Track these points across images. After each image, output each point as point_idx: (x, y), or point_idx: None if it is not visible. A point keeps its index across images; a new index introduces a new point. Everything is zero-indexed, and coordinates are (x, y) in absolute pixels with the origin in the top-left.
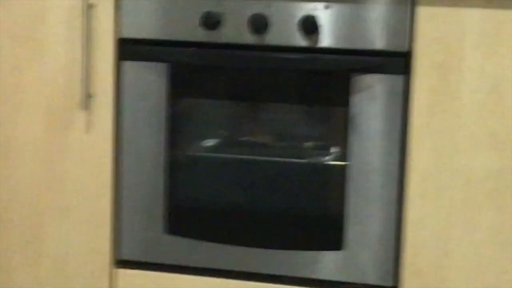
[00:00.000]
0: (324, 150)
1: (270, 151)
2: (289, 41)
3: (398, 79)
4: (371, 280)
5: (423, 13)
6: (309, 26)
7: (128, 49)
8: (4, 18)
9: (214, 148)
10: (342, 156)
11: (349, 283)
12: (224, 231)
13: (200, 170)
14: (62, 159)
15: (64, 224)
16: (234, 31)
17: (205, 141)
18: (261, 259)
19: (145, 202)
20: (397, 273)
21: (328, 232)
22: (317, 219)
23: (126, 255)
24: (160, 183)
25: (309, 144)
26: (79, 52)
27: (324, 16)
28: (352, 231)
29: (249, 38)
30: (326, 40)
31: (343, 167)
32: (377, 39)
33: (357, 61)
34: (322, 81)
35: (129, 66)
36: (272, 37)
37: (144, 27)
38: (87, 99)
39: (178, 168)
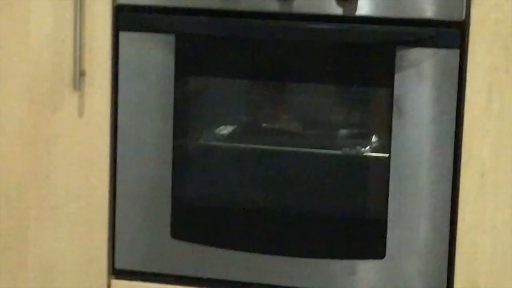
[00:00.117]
0: (363, 139)
1: (298, 140)
2: (321, 8)
3: (452, 54)
4: None
5: None
6: None
7: (127, 18)
8: None
9: (230, 137)
10: (384, 147)
11: None
12: (242, 236)
13: (213, 163)
14: (49, 149)
15: (52, 227)
16: None
17: (219, 128)
18: (287, 270)
19: (148, 201)
20: (449, 285)
21: (367, 238)
22: (354, 222)
23: (125, 264)
24: (165, 178)
25: (344, 132)
26: (70, 21)
27: None
28: (396, 236)
29: (272, 4)
30: (365, 7)
31: (385, 160)
32: (427, 6)
33: (402, 33)
34: (361, 57)
35: (129, 38)
36: (301, 4)
37: None
38: (79, 77)
39: (187, 161)
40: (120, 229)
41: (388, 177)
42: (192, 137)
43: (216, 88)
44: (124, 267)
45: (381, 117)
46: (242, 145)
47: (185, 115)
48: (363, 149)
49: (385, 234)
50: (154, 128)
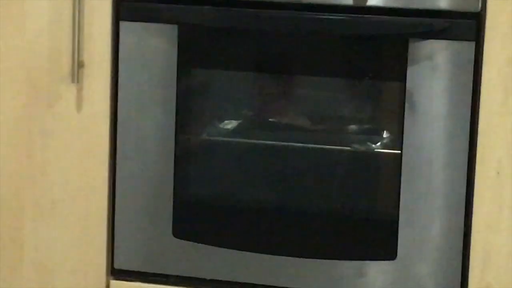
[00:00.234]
0: (374, 135)
1: (306, 135)
2: None
3: (468, 47)
4: None
5: None
6: None
7: (129, 7)
8: None
9: (235, 132)
10: (396, 143)
11: None
12: (246, 235)
13: (217, 159)
14: (46, 144)
15: (49, 225)
16: None
17: (223, 123)
18: (294, 271)
19: (149, 199)
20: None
21: (377, 238)
22: (364, 221)
23: (124, 264)
24: (167, 174)
25: (354, 127)
26: (68, 10)
27: None
28: (408, 237)
29: None
30: None
31: (397, 157)
32: None
33: (415, 24)
34: (371, 49)
35: (130, 28)
36: None
37: None
38: (78, 69)
39: (190, 156)
40: (120, 227)
41: (400, 174)
42: (195, 131)
43: (221, 81)
44: (123, 267)
45: (392, 112)
46: (248, 141)
47: (188, 109)
48: (373, 145)
49: (396, 234)
50: (155, 122)
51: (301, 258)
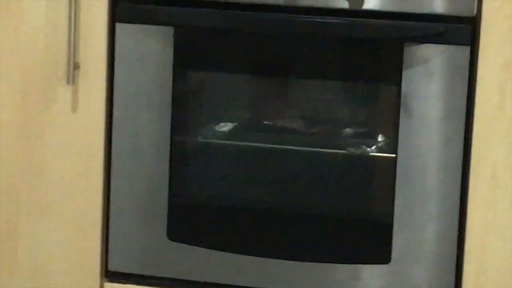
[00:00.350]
0: (369, 138)
1: (301, 138)
2: (326, 1)
3: (463, 51)
4: None
5: None
6: None
7: (125, 9)
8: None
9: (230, 134)
10: (391, 147)
11: None
12: (241, 238)
13: (213, 161)
14: (41, 145)
15: (43, 226)
16: None
17: (219, 125)
18: (288, 274)
19: (144, 200)
20: None
21: (372, 241)
22: (358, 224)
23: (119, 266)
24: (162, 176)
25: (349, 130)
26: (64, 11)
27: None
28: (402, 240)
29: None
30: (372, 1)
31: (392, 160)
32: (437, 0)
33: (411, 28)
34: (367, 53)
35: (126, 29)
36: None
37: None
38: (73, 70)
39: (185, 159)
40: (114, 229)
41: (395, 178)
42: (190, 134)
43: (216, 83)
44: (117, 269)
45: (388, 115)
46: (243, 143)
47: (183, 111)
48: (369, 149)
49: (391, 238)
50: (151, 124)
51: (296, 261)
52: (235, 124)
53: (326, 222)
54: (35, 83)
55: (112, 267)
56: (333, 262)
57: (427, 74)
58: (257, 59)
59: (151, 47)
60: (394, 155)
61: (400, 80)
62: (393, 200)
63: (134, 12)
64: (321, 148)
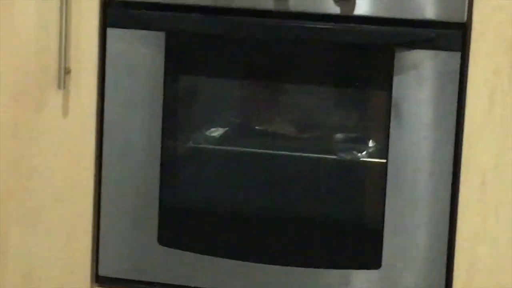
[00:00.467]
0: (359, 143)
1: (292, 144)
2: (317, 7)
3: (453, 57)
4: None
5: None
6: None
7: (116, 14)
8: None
9: (222, 139)
10: (382, 152)
11: None
12: (232, 243)
13: (204, 166)
14: (31, 150)
15: (33, 232)
16: None
17: (210, 130)
18: (279, 279)
19: (134, 206)
20: None
21: (363, 247)
22: (349, 230)
23: (109, 271)
24: (153, 181)
25: (340, 136)
26: (56, 16)
27: None
28: (393, 246)
29: (267, 2)
30: (363, 6)
31: (382, 166)
32: (428, 6)
33: (402, 33)
34: (358, 58)
35: (117, 34)
36: (296, 2)
37: None
38: (64, 75)
39: (176, 164)
40: (105, 234)
41: (385, 183)
42: (181, 139)
43: (208, 88)
44: (108, 275)
45: (378, 121)
46: (234, 148)
47: (174, 116)
48: (359, 154)
49: (382, 243)
50: (142, 129)
51: (287, 267)
52: (226, 129)
53: (317, 227)
54: (26, 88)
55: (102, 272)
56: (324, 268)
57: (417, 79)
58: (248, 64)
59: (142, 52)
60: (384, 161)
61: (391, 86)
62: (383, 205)
63: (125, 17)
64: (311, 153)
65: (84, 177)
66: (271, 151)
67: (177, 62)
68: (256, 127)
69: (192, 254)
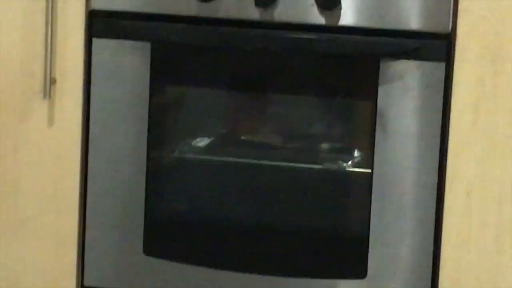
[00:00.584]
0: (345, 153)
1: (277, 153)
2: (303, 17)
3: (438, 67)
4: None
5: None
6: None
7: (101, 24)
8: None
9: (207, 149)
10: (367, 162)
11: None
12: (218, 253)
13: (189, 176)
14: (17, 160)
15: (19, 242)
16: (235, 3)
17: (196, 140)
18: None
19: (120, 216)
20: None
21: (348, 256)
22: (334, 239)
23: (95, 281)
24: (139, 191)
25: (326, 146)
26: (41, 25)
27: None
28: (378, 255)
29: (253, 12)
30: (348, 17)
31: (367, 176)
32: (413, 17)
33: (387, 44)
34: (343, 68)
35: (102, 45)
36: (282, 12)
37: None
38: (50, 85)
39: (162, 174)
40: (90, 244)
41: (371, 193)
42: (167, 149)
43: (193, 98)
44: (93, 285)
45: (363, 131)
46: (220, 158)
47: (160, 126)
48: (345, 164)
49: (367, 253)
50: (127, 139)
51: (272, 276)
52: (211, 139)
53: (303, 237)
54: (11, 98)
55: (88, 282)
56: (310, 277)
57: (402, 90)
58: (234, 74)
59: (127, 62)
60: (369, 170)
61: (376, 96)
62: (369, 215)
63: (111, 27)
64: (297, 163)
65: (69, 187)
66: (256, 161)
67: (163, 72)
68: (242, 137)
69: (178, 264)
